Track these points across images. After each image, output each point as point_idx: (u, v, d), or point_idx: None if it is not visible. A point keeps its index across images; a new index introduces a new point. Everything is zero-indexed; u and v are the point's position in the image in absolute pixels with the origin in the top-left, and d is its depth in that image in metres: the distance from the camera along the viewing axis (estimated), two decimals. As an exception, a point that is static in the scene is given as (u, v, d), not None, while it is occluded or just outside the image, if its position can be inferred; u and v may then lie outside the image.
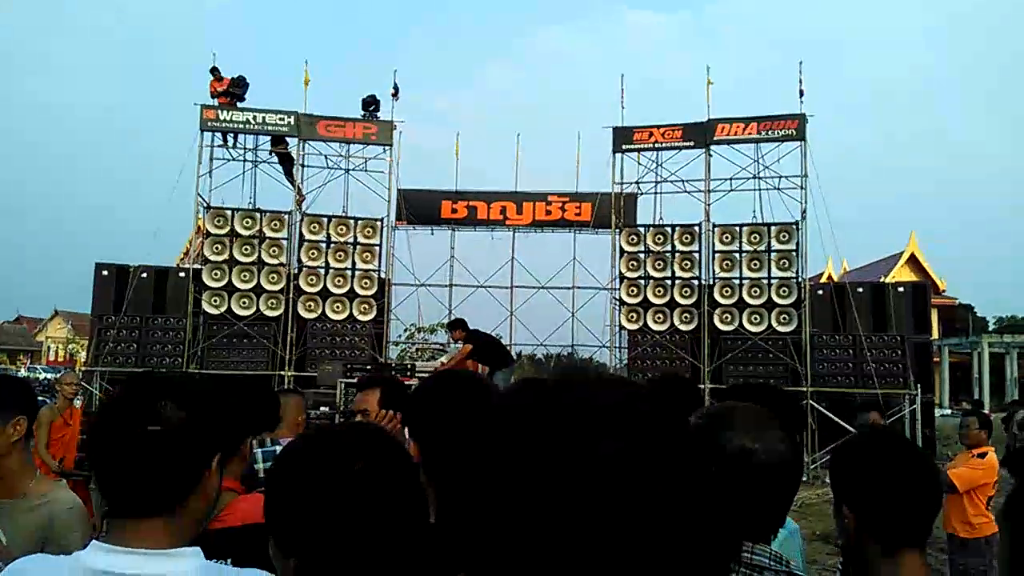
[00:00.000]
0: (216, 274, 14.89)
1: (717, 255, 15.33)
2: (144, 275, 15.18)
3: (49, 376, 34.20)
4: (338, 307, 15.38)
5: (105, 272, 15.33)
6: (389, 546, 1.13)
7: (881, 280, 20.76)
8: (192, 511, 1.35)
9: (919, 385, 14.26)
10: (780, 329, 14.78)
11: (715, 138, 15.57)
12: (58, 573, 1.30)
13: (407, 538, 1.15)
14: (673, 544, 0.55)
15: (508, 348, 12.46)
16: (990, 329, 38.01)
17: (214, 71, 15.78)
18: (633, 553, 0.54)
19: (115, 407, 1.37)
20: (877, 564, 1.58)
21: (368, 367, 12.55)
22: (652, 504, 0.55)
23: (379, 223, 15.99)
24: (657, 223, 16.07)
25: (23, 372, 39.69)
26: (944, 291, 35.72)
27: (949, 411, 23.88)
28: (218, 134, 15.76)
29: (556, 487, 0.55)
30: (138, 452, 1.29)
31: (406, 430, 1.83)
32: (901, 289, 15.92)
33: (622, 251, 15.78)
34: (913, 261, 35.59)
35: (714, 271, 15.33)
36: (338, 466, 1.15)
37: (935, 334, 26.32)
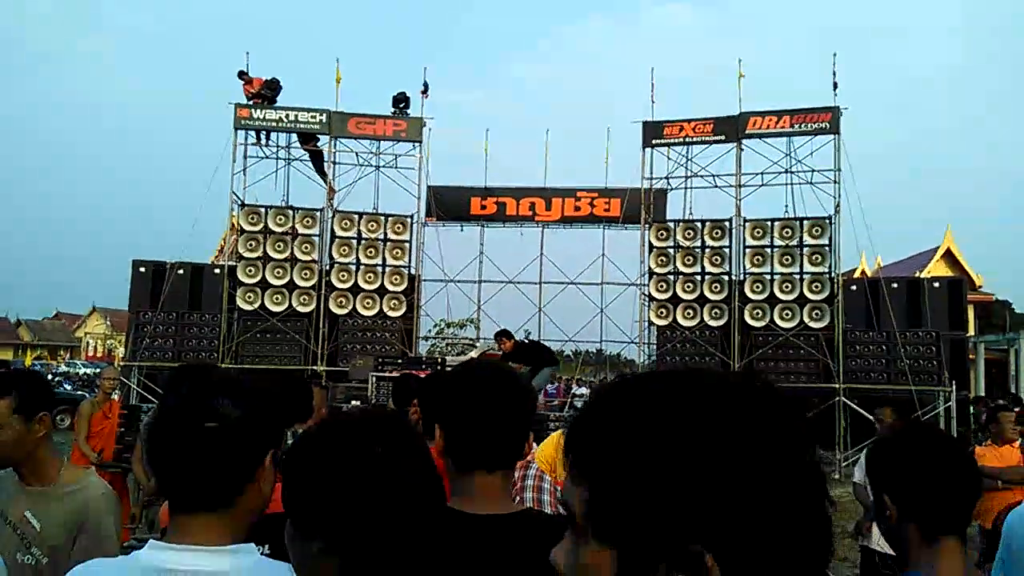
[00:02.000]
0: (250, 270, 15.12)
1: (748, 250, 15.19)
2: (180, 272, 15.46)
3: (88, 371, 34.98)
4: (368, 303, 15.52)
5: (142, 269, 15.65)
6: (408, 524, 1.15)
7: (916, 275, 20.41)
8: (248, 506, 1.38)
9: (954, 382, 14.03)
10: (812, 325, 14.61)
11: (747, 132, 15.43)
12: (121, 572, 1.34)
13: (425, 517, 1.18)
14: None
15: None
16: (1029, 325, 37.13)
17: (242, 75, 16.01)
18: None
19: (173, 404, 1.42)
20: (917, 550, 1.65)
21: (399, 361, 12.67)
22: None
23: (409, 219, 16.11)
24: (687, 218, 15.96)
25: (63, 367, 40.58)
26: (981, 287, 34.97)
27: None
28: (251, 132, 15.99)
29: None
30: (197, 448, 1.33)
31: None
32: (937, 284, 15.66)
33: (651, 247, 15.71)
34: (949, 256, 34.90)
35: (745, 266, 15.20)
36: (356, 447, 1.17)
37: (971, 330, 25.83)
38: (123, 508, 6.70)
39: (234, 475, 1.35)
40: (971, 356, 19.93)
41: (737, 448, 0.62)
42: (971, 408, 14.94)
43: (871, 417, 13.12)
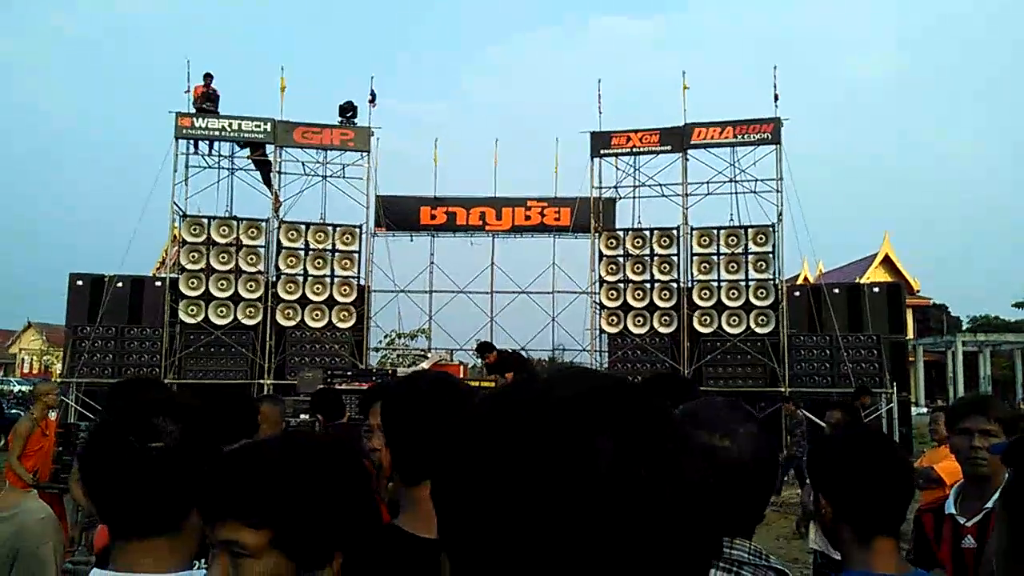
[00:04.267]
0: (193, 283, 14.77)
1: (695, 258, 15.45)
2: (119, 285, 15.02)
3: (24, 388, 33.68)
4: (317, 315, 15.29)
5: (80, 282, 15.16)
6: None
7: (856, 281, 20.99)
8: (193, 528, 1.32)
9: (895, 384, 14.43)
10: (758, 330, 14.90)
11: (692, 142, 15.70)
12: None
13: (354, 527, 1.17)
14: (664, 541, 0.55)
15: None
16: (964, 328, 38.56)
17: (208, 77, 15.72)
18: (624, 550, 0.54)
19: (110, 425, 1.35)
20: (852, 549, 1.68)
21: (348, 373, 12.49)
22: (648, 498, 0.55)
23: (358, 230, 15.93)
24: (636, 227, 16.16)
25: (-4, 385, 39.00)
26: (919, 291, 36.21)
27: (925, 410, 24.18)
28: (193, 141, 15.64)
29: (549, 483, 0.54)
30: (139, 471, 1.27)
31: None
32: (876, 290, 16.12)
33: (601, 255, 15.85)
34: (888, 262, 36.06)
35: (692, 274, 15.44)
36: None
37: (910, 334, 26.64)
38: (61, 531, 6.48)
39: (181, 497, 1.28)
40: (911, 359, 20.56)
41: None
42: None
43: (819, 421, 13.45)
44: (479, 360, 11.44)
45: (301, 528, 1.11)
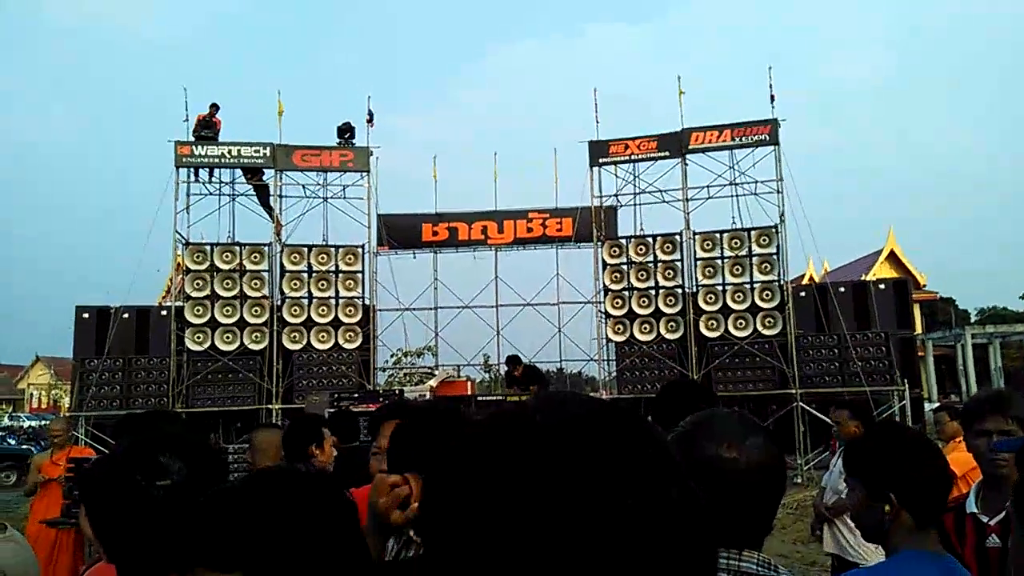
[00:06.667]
0: (198, 310, 14.79)
1: (699, 262, 15.40)
2: (125, 316, 15.07)
3: (33, 424, 33.76)
4: (323, 336, 15.29)
5: (86, 315, 15.21)
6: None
7: (862, 278, 20.91)
8: None
9: (906, 380, 14.34)
10: (765, 332, 14.84)
11: (690, 147, 15.71)
12: None
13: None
14: (652, 567, 0.54)
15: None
16: (972, 321, 38.39)
17: (214, 107, 15.87)
18: (620, 571, 0.53)
19: (116, 463, 1.34)
20: (907, 536, 1.82)
21: (355, 395, 12.47)
22: (634, 527, 0.54)
23: (360, 250, 15.96)
24: (638, 234, 16.15)
25: (6, 421, 39.10)
26: (925, 286, 36.06)
27: (937, 404, 24.03)
28: (193, 169, 15.71)
29: (533, 514, 0.53)
30: (147, 510, 1.25)
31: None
32: (882, 286, 16.05)
33: (605, 264, 15.83)
34: (893, 258, 35.94)
35: (697, 278, 15.40)
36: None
37: (918, 328, 26.52)
38: (76, 564, 6.44)
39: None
40: (920, 354, 20.44)
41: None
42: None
43: (828, 420, 13.35)
44: (485, 373, 12.41)
45: (275, 569, 1.09)
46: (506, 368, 13.39)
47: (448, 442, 1.51)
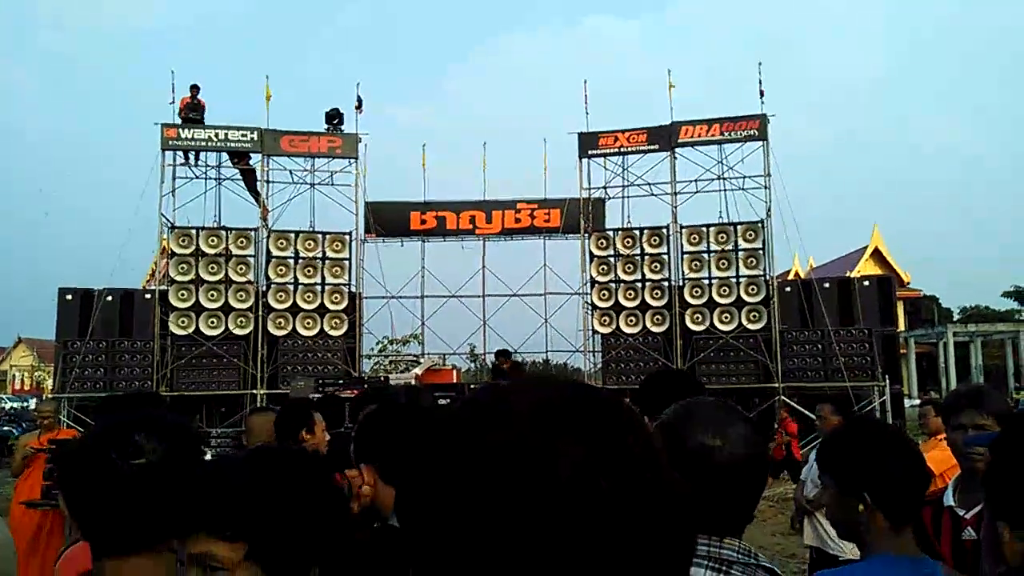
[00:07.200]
0: (183, 294, 14.70)
1: (686, 256, 15.47)
2: (109, 298, 14.94)
3: (16, 405, 33.45)
4: (309, 323, 15.24)
5: (69, 297, 15.06)
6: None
7: (847, 275, 21.06)
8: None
9: (887, 376, 14.47)
10: (750, 327, 14.93)
11: (679, 140, 15.73)
12: None
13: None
14: (629, 552, 0.54)
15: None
16: (954, 319, 38.78)
17: (194, 88, 15.67)
18: (586, 562, 0.53)
19: (92, 442, 1.34)
20: (882, 537, 1.75)
21: (340, 382, 12.46)
22: (609, 510, 0.54)
23: (347, 237, 15.91)
24: (625, 226, 16.19)
25: (-13, 402, 38.69)
26: (909, 283, 36.39)
27: (918, 401, 24.30)
28: (180, 153, 15.58)
29: (508, 496, 0.54)
30: (121, 488, 1.26)
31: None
32: (867, 283, 16.15)
33: (592, 255, 15.86)
34: (877, 255, 36.22)
35: (683, 272, 15.46)
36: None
37: (901, 326, 26.78)
38: (56, 545, 6.41)
39: (162, 515, 1.26)
40: (902, 351, 20.64)
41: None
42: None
43: (811, 415, 13.47)
44: (472, 362, 12.25)
45: (277, 541, 1.10)
46: (495, 360, 13.43)
47: (409, 438, 1.53)
